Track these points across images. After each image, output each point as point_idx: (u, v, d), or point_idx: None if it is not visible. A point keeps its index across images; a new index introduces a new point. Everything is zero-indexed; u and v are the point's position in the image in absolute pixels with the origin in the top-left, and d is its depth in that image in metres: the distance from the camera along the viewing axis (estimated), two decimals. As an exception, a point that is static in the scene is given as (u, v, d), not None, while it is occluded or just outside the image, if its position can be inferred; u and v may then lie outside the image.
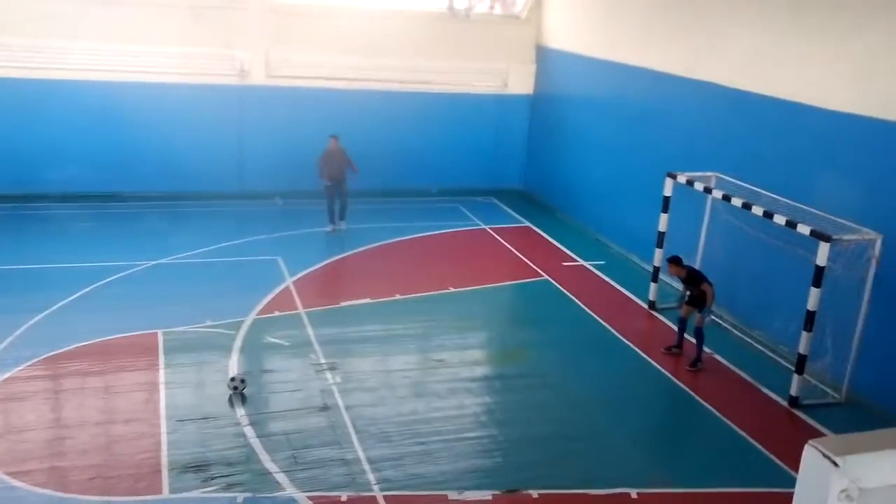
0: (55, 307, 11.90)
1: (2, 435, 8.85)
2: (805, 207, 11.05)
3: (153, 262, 13.90)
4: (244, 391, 9.92)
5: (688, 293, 11.73)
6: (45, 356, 10.53)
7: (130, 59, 16.95)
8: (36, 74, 16.41)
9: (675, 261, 11.81)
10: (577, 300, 13.70)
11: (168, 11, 17.02)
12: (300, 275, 13.82)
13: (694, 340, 11.51)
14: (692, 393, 10.81)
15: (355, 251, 15.30)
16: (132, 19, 16.84)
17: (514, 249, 16.13)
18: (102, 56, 16.76)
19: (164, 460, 8.56)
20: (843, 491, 2.27)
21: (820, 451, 2.36)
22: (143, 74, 17.05)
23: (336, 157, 16.21)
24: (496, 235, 16.93)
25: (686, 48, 14.37)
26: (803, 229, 10.39)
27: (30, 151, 16.65)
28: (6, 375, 10.01)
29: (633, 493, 8.56)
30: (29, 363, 10.34)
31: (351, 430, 9.37)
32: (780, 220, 10.82)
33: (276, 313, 12.30)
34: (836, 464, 2.28)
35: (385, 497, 8.22)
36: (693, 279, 11.63)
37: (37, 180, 16.66)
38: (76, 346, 10.87)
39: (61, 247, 14.37)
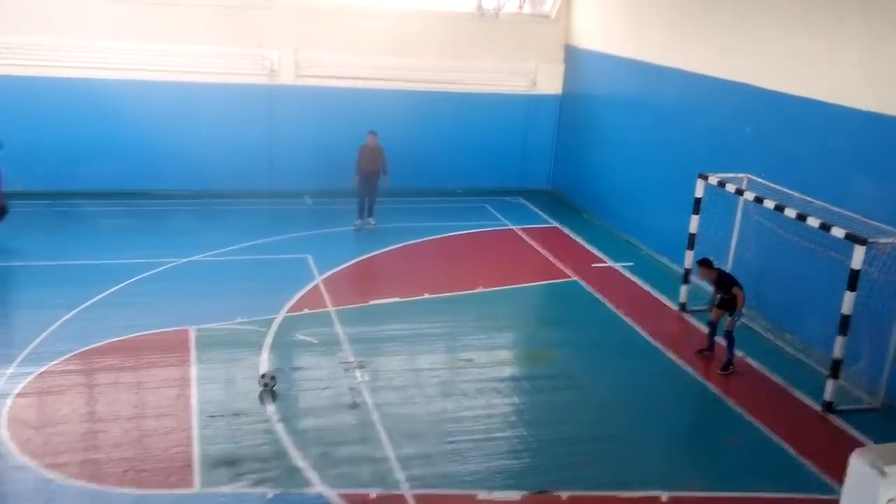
0: (89, 303, 12.06)
1: (38, 428, 8.98)
2: (839, 210, 10.91)
3: (185, 260, 14.05)
4: (274, 388, 9.98)
5: (718, 296, 11.59)
6: (78, 351, 10.68)
7: (163, 59, 17.16)
8: (69, 73, 16.65)
9: (705, 263, 11.66)
10: (605, 301, 13.63)
11: (200, 11, 17.19)
12: (329, 273, 13.88)
13: (725, 343, 11.40)
14: (723, 396, 10.70)
15: (384, 250, 15.34)
16: (165, 19, 17.04)
17: (542, 250, 16.08)
18: (135, 55, 16.98)
19: (196, 455, 8.64)
20: (891, 500, 2.25)
21: (867, 461, 2.34)
22: (175, 74, 17.25)
23: (372, 153, 16.34)
24: (524, 236, 16.89)
25: (717, 48, 14.24)
26: (838, 232, 10.26)
27: (64, 149, 16.90)
28: (41, 370, 10.16)
29: (664, 496, 8.50)
30: (63, 358, 10.49)
31: (380, 428, 9.40)
32: (813, 222, 10.68)
33: (306, 311, 12.38)
34: (884, 473, 2.26)
35: (414, 495, 8.23)
36: (724, 282, 11.48)
37: (70, 178, 16.90)
38: (109, 341, 11.00)
39: (94, 244, 14.57)
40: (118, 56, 16.91)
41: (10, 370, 10.08)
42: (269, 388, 9.97)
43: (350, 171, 17.48)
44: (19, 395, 9.57)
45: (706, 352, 11.76)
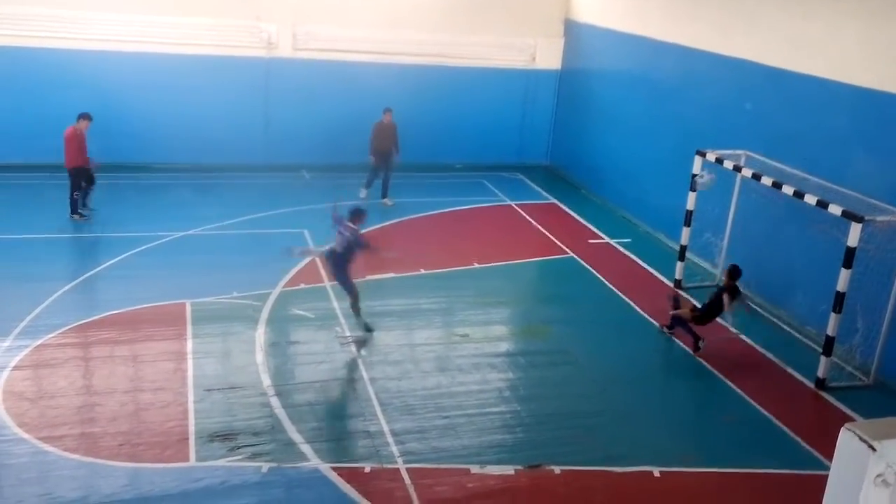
0: (85, 276, 12.08)
1: (34, 401, 9.02)
2: (837, 187, 10.90)
3: (181, 234, 14.04)
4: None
5: (706, 304, 11.39)
6: (75, 324, 10.70)
7: (160, 31, 17.01)
8: (66, 45, 16.50)
9: (736, 274, 11.22)
10: (602, 278, 13.65)
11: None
12: (327, 247, 13.83)
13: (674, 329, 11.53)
14: (717, 373, 10.75)
15: (381, 225, 15.31)
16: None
17: (539, 226, 16.07)
18: (132, 27, 16.83)
19: (192, 429, 8.69)
20: (879, 475, 2.25)
21: (857, 435, 2.34)
22: (173, 46, 17.10)
23: (387, 130, 16.30)
24: (522, 211, 16.87)
25: (717, 23, 14.13)
26: (835, 209, 10.24)
27: (60, 122, 16.74)
28: (38, 342, 10.18)
29: (656, 471, 8.57)
30: (59, 331, 10.51)
31: (375, 402, 9.44)
32: (810, 199, 10.66)
33: (303, 286, 12.39)
34: (873, 448, 2.26)
35: (408, 469, 8.29)
36: (731, 292, 11.15)
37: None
38: (106, 314, 11.03)
39: (93, 218, 14.53)
40: (116, 28, 16.76)
41: (7, 343, 10.10)
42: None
43: (349, 145, 17.43)
44: (15, 367, 9.60)
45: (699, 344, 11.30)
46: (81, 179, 14.47)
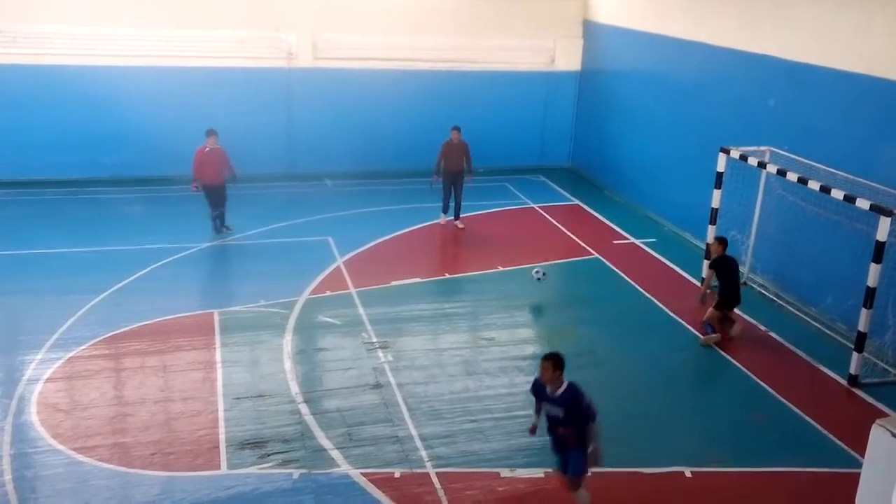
0: (114, 288, 12.22)
1: (67, 412, 9.14)
2: (864, 181, 10.76)
3: (207, 244, 14.18)
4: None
5: (709, 290, 11.87)
6: (105, 336, 10.84)
7: (182, 45, 17.23)
8: (88, 61, 16.76)
9: (723, 242, 11.73)
10: (628, 278, 13.58)
11: (217, -5, 17.22)
12: (350, 255, 13.94)
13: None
14: (747, 371, 10.64)
15: (404, 231, 15.36)
16: (183, 4, 17.06)
17: (563, 227, 16.02)
18: (154, 42, 17.07)
19: (222, 437, 8.76)
20: (913, 469, 2.22)
21: (889, 431, 2.32)
22: (194, 59, 17.31)
23: (457, 150, 15.42)
24: (545, 213, 16.84)
25: (738, 20, 14.01)
26: (862, 204, 10.11)
27: (84, 137, 17.05)
28: (70, 355, 10.34)
29: (688, 471, 8.50)
30: (91, 343, 10.66)
31: (403, 407, 9.46)
32: (837, 194, 10.54)
33: (328, 293, 12.45)
34: (906, 442, 2.23)
35: (438, 474, 8.30)
36: (729, 267, 11.62)
37: (93, 166, 17.08)
38: (135, 326, 11.16)
39: (118, 230, 14.72)
40: (138, 43, 17.00)
41: (40, 356, 10.26)
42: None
43: (371, 152, 17.56)
44: (48, 380, 9.75)
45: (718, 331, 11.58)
46: (211, 198, 14.50)
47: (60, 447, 8.48)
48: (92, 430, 8.84)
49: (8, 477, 7.96)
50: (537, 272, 12.86)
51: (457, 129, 15.37)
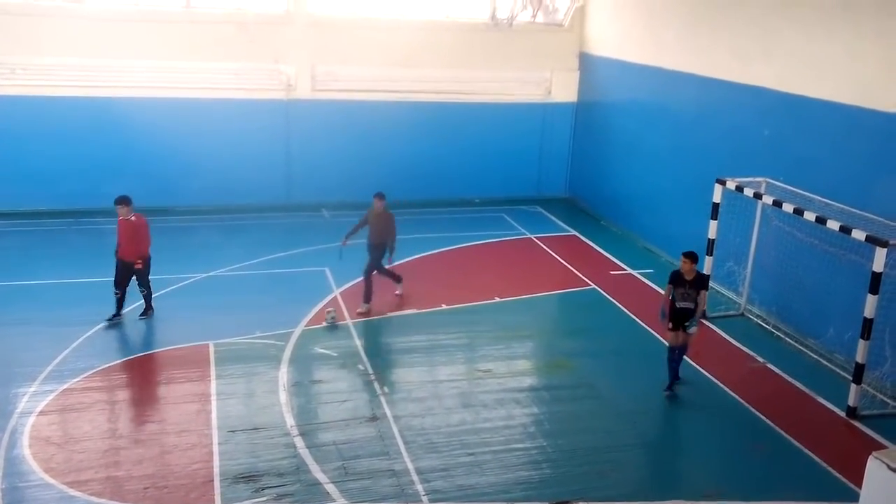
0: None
1: (60, 445, 9.05)
2: (859, 212, 10.80)
3: (204, 275, 14.16)
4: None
5: (678, 303, 10.48)
6: (100, 368, 10.78)
7: (181, 76, 17.34)
8: (89, 93, 16.87)
9: (692, 257, 10.51)
10: (625, 309, 13.55)
11: (217, 28, 17.37)
12: (347, 286, 13.91)
13: (672, 358, 10.75)
14: (745, 403, 10.59)
15: (401, 262, 15.32)
16: (182, 37, 17.22)
17: (560, 258, 16.03)
18: (154, 73, 17.19)
19: (216, 470, 8.67)
20: (908, 506, 2.20)
21: (884, 463, 2.30)
22: (194, 91, 17.42)
23: (378, 219, 13.00)
24: (542, 244, 16.85)
25: (733, 52, 14.15)
26: (858, 234, 10.14)
27: (85, 168, 17.10)
28: (63, 387, 10.26)
29: (686, 505, 8.42)
30: (85, 375, 10.58)
31: (399, 440, 9.39)
32: (833, 225, 10.57)
33: (324, 324, 12.40)
34: (901, 478, 2.21)
35: (434, 508, 8.21)
36: (697, 283, 10.49)
37: (91, 196, 17.03)
38: (130, 357, 11.12)
39: (114, 260, 14.66)
40: (137, 74, 17.12)
41: (33, 388, 10.18)
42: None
43: (368, 184, 17.50)
44: (41, 412, 9.66)
45: (673, 388, 10.77)
46: (116, 273, 12.26)
47: (52, 481, 8.38)
48: (84, 463, 8.74)
49: (-1, 512, 7.88)
50: (329, 312, 12.38)
51: (380, 196, 13.01)
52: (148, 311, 12.39)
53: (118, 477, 8.52)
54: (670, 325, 10.61)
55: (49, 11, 16.54)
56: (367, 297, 12.97)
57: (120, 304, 12.19)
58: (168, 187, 17.56)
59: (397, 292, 13.56)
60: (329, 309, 12.62)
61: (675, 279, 10.58)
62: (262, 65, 17.89)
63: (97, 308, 12.35)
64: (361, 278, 13.07)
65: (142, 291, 12.26)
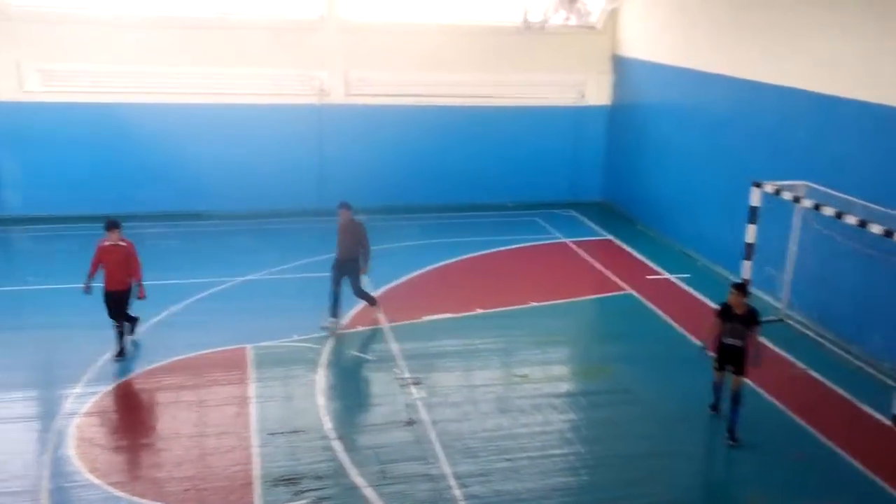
0: (150, 323, 12.33)
1: (104, 446, 9.20)
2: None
3: (241, 279, 14.29)
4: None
5: (727, 340, 9.58)
6: (141, 371, 10.93)
7: (215, 83, 17.56)
8: (123, 99, 17.16)
9: (742, 290, 9.55)
10: (662, 314, 13.44)
11: (251, 34, 17.55)
12: (382, 290, 13.96)
13: (730, 406, 9.77)
14: (787, 410, 10.43)
15: (435, 266, 15.38)
16: (217, 43, 17.42)
17: (595, 263, 15.94)
18: (187, 79, 17.42)
19: (256, 473, 8.74)
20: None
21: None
22: (228, 97, 17.63)
23: (345, 231, 12.25)
24: (576, 249, 16.77)
25: (768, 53, 13.99)
26: (902, 239, 9.96)
27: (122, 173, 17.39)
28: (106, 389, 10.42)
29: (728, 513, 8.32)
30: (127, 377, 10.75)
31: (437, 445, 9.39)
32: (876, 228, 10.39)
33: (360, 328, 12.46)
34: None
35: (472, 513, 8.20)
36: (748, 319, 9.48)
37: (129, 201, 17.36)
38: (170, 360, 11.24)
39: (154, 265, 14.76)
40: (172, 81, 17.36)
41: (77, 390, 10.36)
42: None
43: (401, 188, 17.57)
44: (86, 413, 9.83)
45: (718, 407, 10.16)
46: (108, 307, 11.24)
47: (97, 481, 8.51)
48: (127, 464, 8.89)
49: (45, 512, 8.01)
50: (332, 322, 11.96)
51: (345, 206, 12.20)
52: (124, 350, 11.14)
53: (159, 478, 8.63)
54: (716, 363, 9.78)
55: (86, 19, 16.83)
56: (372, 301, 12.78)
57: (122, 336, 11.22)
58: (202, 192, 17.77)
59: (325, 325, 12.14)
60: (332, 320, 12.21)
61: (724, 313, 9.55)
62: (295, 70, 18.03)
63: (138, 311, 12.48)
64: (360, 300, 12.63)
65: (117, 327, 11.08)
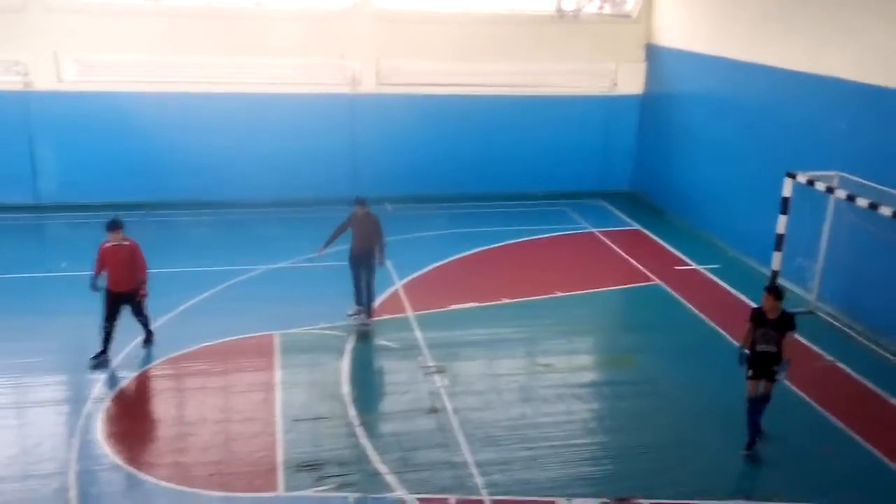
0: (179, 309, 12.53)
1: (131, 431, 9.38)
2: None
3: (270, 266, 14.44)
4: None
5: (761, 347, 8.94)
6: (169, 356, 11.10)
7: (248, 71, 17.68)
8: (159, 88, 17.37)
9: (776, 293, 8.92)
10: (690, 305, 13.31)
11: (283, 24, 17.65)
12: (408, 278, 14.02)
13: (749, 410, 9.17)
14: (815, 404, 10.28)
15: (462, 255, 15.38)
16: (249, 32, 17.54)
17: (623, 253, 15.83)
18: (221, 69, 17.56)
19: (280, 458, 8.85)
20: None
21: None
22: (260, 86, 17.76)
23: (362, 224, 12.16)
24: (605, 239, 16.66)
25: (805, 41, 13.72)
26: (938, 230, 9.74)
27: (155, 162, 17.62)
28: (135, 374, 10.62)
29: (750, 506, 8.24)
30: (155, 362, 10.93)
31: (459, 433, 9.42)
32: (911, 220, 10.17)
33: (386, 316, 12.52)
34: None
35: (493, 501, 8.22)
36: (782, 323, 8.88)
37: (162, 189, 17.62)
38: (198, 346, 11.40)
39: (185, 252, 15.12)
40: (205, 70, 17.52)
41: (106, 374, 10.56)
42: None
43: (431, 177, 17.55)
44: (115, 398, 10.03)
45: (755, 445, 9.24)
46: (107, 306, 10.93)
47: (124, 465, 8.69)
48: (154, 448, 9.05)
49: (73, 493, 8.19)
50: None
51: (361, 201, 12.21)
52: (151, 337, 11.33)
53: (185, 462, 8.78)
54: (750, 371, 9.05)
55: (122, 10, 17.08)
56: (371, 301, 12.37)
57: (108, 339, 10.85)
58: (234, 181, 17.94)
59: (351, 312, 12.16)
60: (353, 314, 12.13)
61: (757, 318, 8.98)
62: (328, 60, 18.09)
63: (167, 297, 12.69)
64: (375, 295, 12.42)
65: (140, 319, 11.10)
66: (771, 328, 8.86)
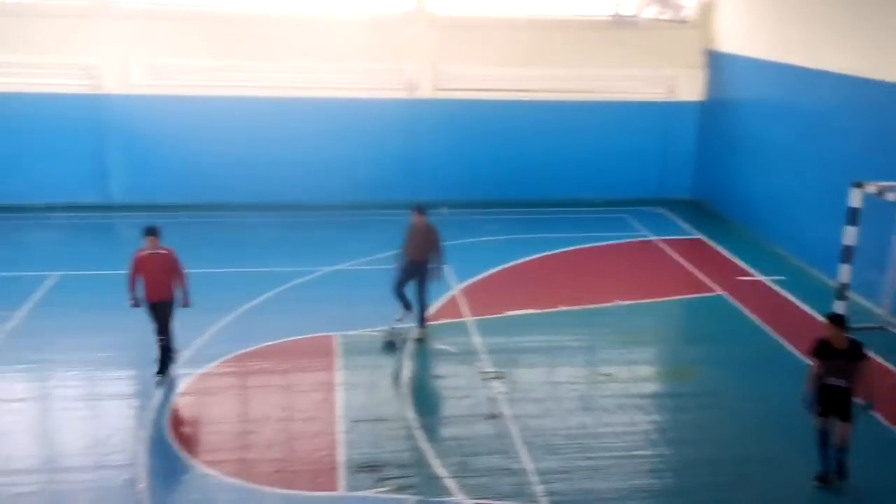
0: (243, 308, 12.76)
1: (198, 426, 9.60)
2: None
3: (332, 268, 14.63)
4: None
5: (830, 381, 8.28)
6: (233, 354, 11.32)
7: (307, 77, 17.95)
8: (224, 93, 17.75)
9: (838, 322, 8.28)
10: (753, 317, 13.07)
11: (342, 30, 17.87)
12: (466, 283, 14.05)
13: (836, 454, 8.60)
14: (882, 419, 10.00)
15: (521, 261, 15.36)
16: (308, 38, 17.78)
17: (684, 262, 15.62)
18: (284, 74, 17.87)
19: (340, 458, 8.94)
20: None
21: None
22: (319, 91, 18.02)
23: (419, 234, 11.93)
24: (665, 247, 16.46)
25: (873, 46, 13.37)
26: None
27: (220, 164, 18.01)
28: (201, 371, 10.85)
29: (818, 524, 8.05)
30: (220, 360, 11.15)
31: (518, 439, 9.40)
32: None
33: (444, 320, 12.57)
34: None
35: (553, 510, 8.19)
36: (851, 353, 8.20)
37: (227, 191, 18.00)
38: (261, 345, 11.60)
39: (251, 253, 15.41)
40: (267, 75, 17.85)
41: (172, 371, 10.80)
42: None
43: (488, 182, 17.57)
44: (181, 394, 10.27)
45: (820, 481, 8.66)
46: (154, 319, 10.50)
47: (190, 459, 8.88)
48: (219, 444, 9.23)
49: (143, 485, 8.40)
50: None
51: (419, 210, 11.91)
52: (171, 356, 10.52)
53: (250, 459, 8.94)
54: (820, 409, 8.39)
55: (188, 16, 17.53)
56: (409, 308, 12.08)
57: (168, 354, 10.56)
58: (294, 185, 18.23)
59: (398, 318, 12.03)
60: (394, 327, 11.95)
61: (823, 350, 8.28)
62: (385, 65, 18.26)
63: (233, 296, 12.98)
64: (421, 304, 12.03)
65: (161, 341, 10.39)
66: (841, 359, 8.17)
